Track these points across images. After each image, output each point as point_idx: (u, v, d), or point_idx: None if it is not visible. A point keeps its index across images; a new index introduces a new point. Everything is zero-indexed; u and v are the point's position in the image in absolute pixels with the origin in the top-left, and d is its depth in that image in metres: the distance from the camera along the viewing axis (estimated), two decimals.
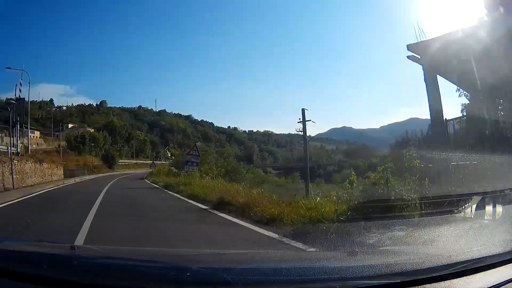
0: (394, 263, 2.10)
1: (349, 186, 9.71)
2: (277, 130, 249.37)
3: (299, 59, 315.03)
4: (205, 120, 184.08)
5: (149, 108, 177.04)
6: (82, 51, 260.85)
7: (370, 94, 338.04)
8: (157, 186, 27.89)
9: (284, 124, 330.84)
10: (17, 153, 29.53)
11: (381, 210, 7.59)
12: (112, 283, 1.85)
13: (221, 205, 11.94)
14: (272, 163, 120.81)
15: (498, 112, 14.43)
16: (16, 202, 15.50)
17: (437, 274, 1.93)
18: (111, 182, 32.47)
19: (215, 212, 11.52)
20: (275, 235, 7.31)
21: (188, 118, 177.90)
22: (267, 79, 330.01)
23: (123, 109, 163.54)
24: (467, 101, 19.08)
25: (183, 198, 17.20)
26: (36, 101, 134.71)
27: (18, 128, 31.87)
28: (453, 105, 20.98)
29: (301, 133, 42.76)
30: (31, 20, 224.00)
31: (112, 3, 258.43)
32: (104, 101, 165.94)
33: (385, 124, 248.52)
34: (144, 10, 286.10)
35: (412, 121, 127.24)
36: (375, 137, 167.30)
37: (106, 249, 3.58)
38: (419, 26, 18.47)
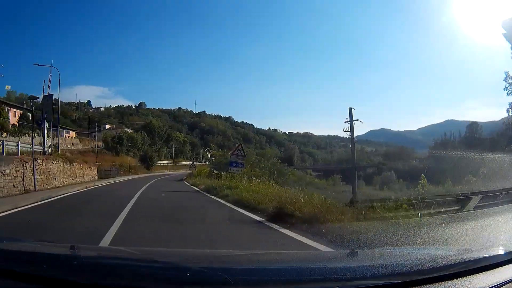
0: (394, 263, 2.10)
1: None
2: (316, 132, 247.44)
3: (338, 61, 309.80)
4: (245, 121, 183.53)
5: (189, 110, 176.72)
6: (120, 53, 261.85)
7: (407, 96, 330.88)
8: (197, 189, 25.30)
9: (323, 126, 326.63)
10: (43, 152, 26.97)
11: None
12: (112, 283, 1.83)
13: (280, 216, 9.59)
14: (312, 164, 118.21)
15: None
16: (27, 208, 13.60)
17: (437, 274, 1.91)
18: (147, 184, 30.70)
19: (274, 226, 8.95)
20: None
21: (228, 119, 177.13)
22: (306, 81, 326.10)
23: (162, 111, 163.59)
24: None
25: (229, 205, 14.45)
26: (73, 102, 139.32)
27: (46, 125, 29.29)
28: None
29: (348, 133, 40.45)
30: (70, 22, 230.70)
31: (153, 6, 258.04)
32: (143, 102, 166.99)
33: (423, 125, 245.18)
34: (184, 13, 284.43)
35: (449, 122, 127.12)
36: (412, 139, 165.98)
37: (106, 249, 4.07)
38: None
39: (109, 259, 2.42)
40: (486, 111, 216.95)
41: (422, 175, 11.66)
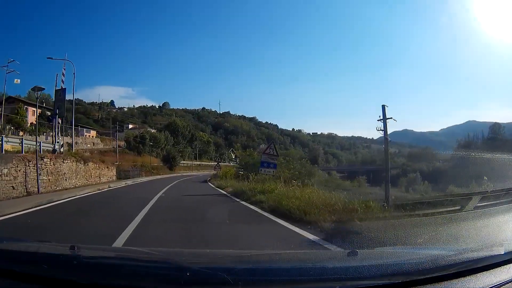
0: (394, 263, 2.07)
1: None
2: (340, 133, 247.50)
3: (361, 62, 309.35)
4: (269, 122, 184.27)
5: (213, 110, 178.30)
6: (144, 53, 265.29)
7: (429, 96, 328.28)
8: (224, 192, 22.57)
9: (347, 127, 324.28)
10: (53, 151, 24.43)
11: None
12: (112, 283, 1.84)
13: (341, 233, 7.33)
14: (336, 165, 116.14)
15: None
16: (9, 217, 10.96)
17: (437, 274, 1.91)
18: (168, 186, 28.41)
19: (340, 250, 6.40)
20: None
21: (252, 120, 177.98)
22: (330, 82, 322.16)
23: (186, 111, 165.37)
24: None
25: (266, 214, 11.45)
26: (96, 102, 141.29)
27: (58, 122, 26.84)
28: None
29: (381, 132, 35.93)
30: (94, 22, 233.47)
31: (176, 6, 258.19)
32: (167, 102, 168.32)
33: (444, 126, 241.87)
34: (209, 14, 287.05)
35: (470, 123, 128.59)
36: (435, 140, 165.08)
37: (106, 249, 3.82)
38: None
39: (109, 259, 2.43)
40: (507, 112, 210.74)
41: (485, 177, 11.52)
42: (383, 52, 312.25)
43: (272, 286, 1.88)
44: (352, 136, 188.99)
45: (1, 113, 40.38)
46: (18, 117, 49.09)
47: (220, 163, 60.37)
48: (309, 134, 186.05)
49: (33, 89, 20.18)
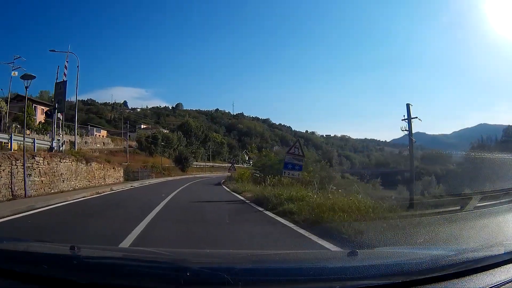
0: (394, 263, 2.08)
1: None
2: (353, 135, 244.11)
3: (373, 65, 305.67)
4: (283, 124, 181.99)
5: (226, 111, 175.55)
6: (157, 54, 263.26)
7: (441, 99, 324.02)
8: (242, 198, 19.16)
9: (361, 129, 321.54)
10: (50, 149, 21.60)
11: None
12: (112, 283, 1.84)
13: None
14: (349, 168, 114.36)
15: None
16: None
17: (437, 274, 1.90)
18: (179, 189, 25.66)
19: None
20: None
21: (266, 121, 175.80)
22: (343, 83, 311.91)
23: (199, 112, 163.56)
24: None
25: (304, 233, 8.12)
26: (109, 103, 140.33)
27: (55, 116, 24.12)
28: None
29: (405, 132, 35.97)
30: (108, 24, 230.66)
31: (190, 8, 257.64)
32: (180, 103, 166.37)
33: (456, 129, 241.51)
34: (222, 15, 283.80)
35: (482, 126, 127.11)
36: (446, 143, 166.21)
37: (106, 249, 3.65)
38: None
39: (109, 259, 2.42)
40: None
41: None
42: (397, 55, 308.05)
43: (272, 286, 1.87)
44: (365, 138, 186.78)
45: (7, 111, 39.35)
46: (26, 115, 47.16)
47: (234, 165, 57.44)
48: (322, 136, 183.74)
49: (23, 77, 17.63)
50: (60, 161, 21.70)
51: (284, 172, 17.54)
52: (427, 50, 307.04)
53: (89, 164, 26.56)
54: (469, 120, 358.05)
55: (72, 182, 23.15)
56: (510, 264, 2.06)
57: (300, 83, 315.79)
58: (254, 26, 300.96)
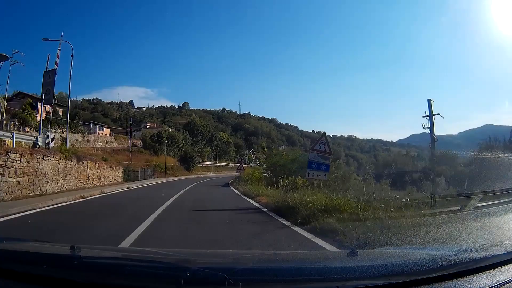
0: (394, 263, 2.03)
1: None
2: (360, 135, 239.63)
3: (379, 66, 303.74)
4: (289, 123, 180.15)
5: (233, 111, 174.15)
6: (163, 55, 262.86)
7: (446, 99, 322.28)
8: (256, 204, 15.44)
9: (365, 129, 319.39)
10: (34, 145, 18.51)
11: None
12: (112, 283, 1.81)
13: None
14: (357, 168, 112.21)
15: None
16: None
17: (437, 274, 1.87)
18: (181, 192, 22.57)
19: None
20: None
21: (273, 121, 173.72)
22: (350, 84, 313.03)
23: (206, 112, 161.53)
24: None
25: None
26: (115, 102, 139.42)
27: (42, 108, 20.99)
28: None
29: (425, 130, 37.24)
30: (115, 24, 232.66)
31: (197, 8, 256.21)
32: (187, 103, 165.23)
33: (462, 130, 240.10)
34: (228, 15, 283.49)
35: (488, 127, 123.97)
36: (453, 143, 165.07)
37: (106, 249, 3.62)
38: None
39: (109, 259, 2.37)
40: None
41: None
42: (403, 55, 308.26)
43: (272, 286, 1.84)
44: (371, 138, 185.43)
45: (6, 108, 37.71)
46: (25, 113, 44.82)
47: (243, 164, 53.86)
48: (329, 136, 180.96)
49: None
50: (43, 158, 18.75)
51: (308, 173, 14.18)
52: (432, 51, 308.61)
53: (81, 162, 23.70)
54: (475, 121, 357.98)
55: (59, 183, 20.23)
56: (510, 264, 2.03)
57: (306, 83, 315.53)
58: (260, 27, 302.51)
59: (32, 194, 17.09)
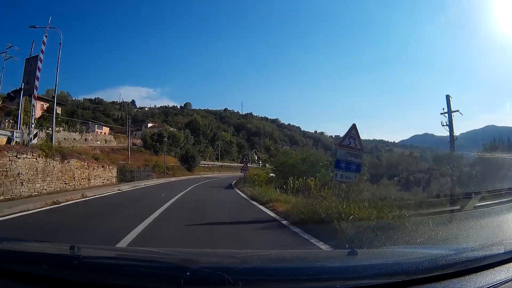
0: (394, 262, 2.03)
1: None
2: (362, 136, 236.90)
3: (382, 66, 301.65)
4: (292, 124, 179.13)
5: (235, 111, 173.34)
6: (166, 54, 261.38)
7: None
8: (271, 213, 12.24)
9: (369, 130, 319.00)
10: (9, 140, 15.88)
11: None
12: (112, 283, 1.80)
13: None
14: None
15: None
16: None
17: (437, 273, 1.85)
18: (178, 196, 19.55)
19: None
20: None
21: (275, 121, 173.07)
22: (352, 84, 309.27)
23: (208, 111, 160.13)
24: None
25: None
26: (117, 102, 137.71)
27: (21, 99, 18.12)
28: None
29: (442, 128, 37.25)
30: (117, 24, 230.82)
31: (199, 9, 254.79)
32: (189, 103, 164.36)
33: (464, 131, 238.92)
34: (231, 15, 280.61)
35: (489, 128, 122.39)
36: (455, 144, 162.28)
37: (106, 249, 3.61)
38: None
39: (109, 259, 2.36)
40: None
41: None
42: (405, 56, 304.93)
43: (272, 286, 1.83)
44: (374, 139, 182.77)
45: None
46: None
47: (247, 164, 50.68)
48: (331, 136, 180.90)
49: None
50: (16, 156, 16.14)
51: (336, 174, 10.79)
52: (435, 51, 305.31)
53: (66, 161, 21.04)
54: (477, 121, 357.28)
55: (38, 185, 17.82)
56: (510, 263, 2.02)
57: (309, 83, 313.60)
58: (263, 27, 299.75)
59: (1, 198, 14.32)
